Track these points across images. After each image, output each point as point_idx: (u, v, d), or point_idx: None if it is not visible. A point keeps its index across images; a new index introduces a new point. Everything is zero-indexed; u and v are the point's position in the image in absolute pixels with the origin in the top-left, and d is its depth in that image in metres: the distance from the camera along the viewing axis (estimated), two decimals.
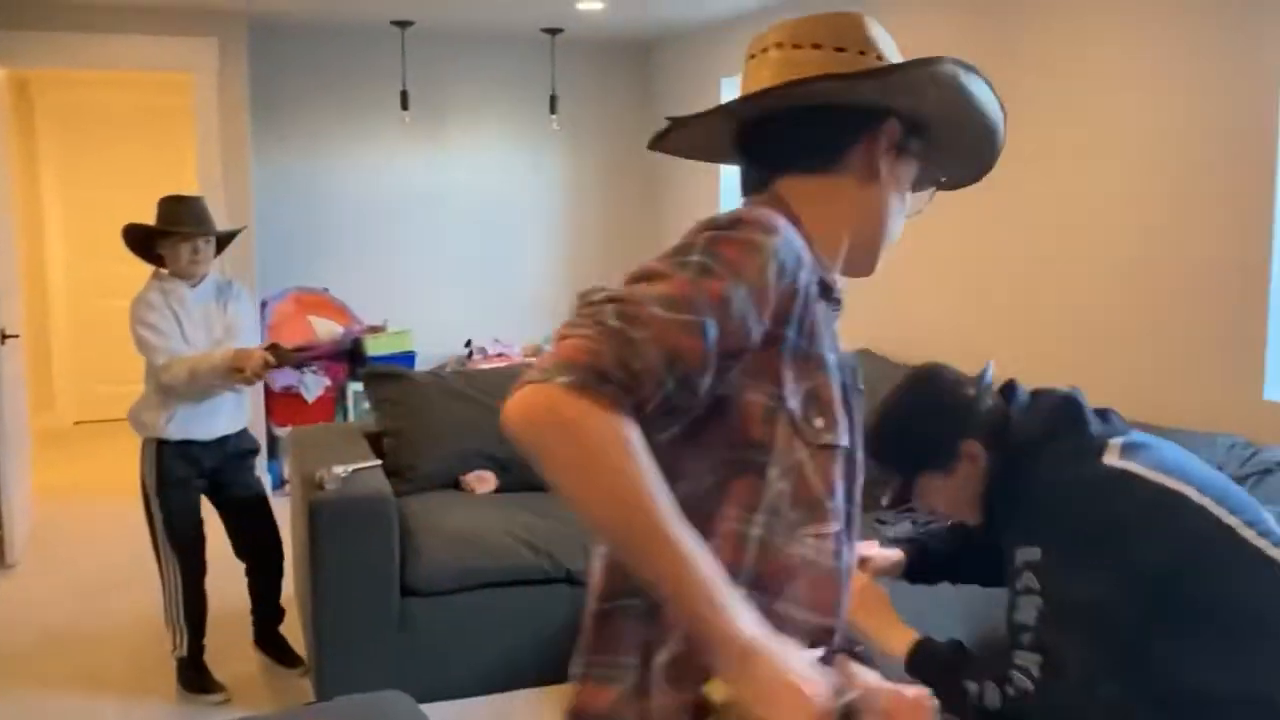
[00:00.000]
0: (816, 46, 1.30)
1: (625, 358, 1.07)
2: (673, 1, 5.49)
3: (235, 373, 3.36)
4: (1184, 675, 1.80)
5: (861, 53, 1.30)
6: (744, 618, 1.08)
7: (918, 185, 1.42)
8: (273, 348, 3.43)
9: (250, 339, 3.60)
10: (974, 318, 4.24)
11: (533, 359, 6.67)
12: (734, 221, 1.19)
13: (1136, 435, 1.93)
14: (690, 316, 1.11)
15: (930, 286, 4.48)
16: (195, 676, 3.56)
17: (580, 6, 5.58)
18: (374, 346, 6.25)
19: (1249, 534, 1.82)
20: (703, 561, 1.07)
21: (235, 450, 3.62)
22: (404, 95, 6.21)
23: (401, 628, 3.45)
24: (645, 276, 1.15)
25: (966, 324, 4.28)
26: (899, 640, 1.96)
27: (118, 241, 3.47)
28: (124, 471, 6.30)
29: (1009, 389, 2.04)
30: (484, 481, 3.99)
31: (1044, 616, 1.80)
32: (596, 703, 1.23)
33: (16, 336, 4.94)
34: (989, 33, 4.10)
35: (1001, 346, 4.08)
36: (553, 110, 6.54)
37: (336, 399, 6.28)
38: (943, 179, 1.47)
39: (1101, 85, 3.61)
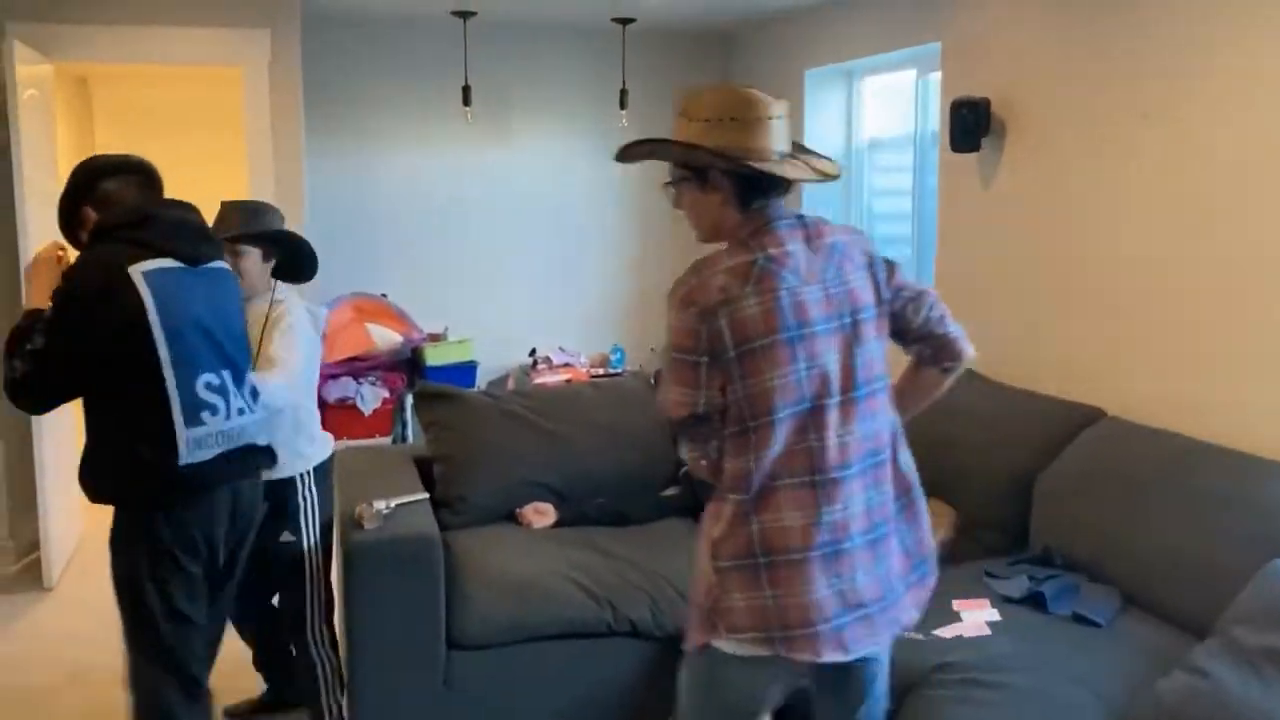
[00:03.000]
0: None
1: None
2: None
3: None
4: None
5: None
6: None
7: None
8: None
9: (287, 375, 2.98)
10: (1077, 333, 3.76)
11: (599, 369, 6.30)
12: None
13: (168, 272, 2.47)
14: None
15: (1028, 301, 4.01)
16: None
17: None
18: (434, 356, 5.93)
19: (166, 368, 2.41)
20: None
21: None
22: (466, 90, 5.87)
23: (447, 684, 3.08)
24: None
25: (1072, 341, 3.80)
26: (38, 301, 2.46)
27: None
28: None
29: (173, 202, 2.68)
30: (542, 515, 3.61)
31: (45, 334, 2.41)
32: None
33: None
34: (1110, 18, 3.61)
35: (1113, 368, 3.59)
36: (622, 105, 6.15)
37: (395, 411, 5.96)
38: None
39: (1237, 80, 3.11)
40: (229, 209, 3.17)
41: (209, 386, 2.48)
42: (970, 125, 4.12)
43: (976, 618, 2.85)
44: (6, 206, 4.47)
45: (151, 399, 2.40)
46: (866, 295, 2.07)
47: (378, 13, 5.80)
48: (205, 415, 2.47)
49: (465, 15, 5.76)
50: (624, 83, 6.26)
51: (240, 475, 2.60)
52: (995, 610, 2.89)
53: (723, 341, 1.97)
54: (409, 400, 5.89)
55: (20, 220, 4.37)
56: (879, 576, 2.06)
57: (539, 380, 5.98)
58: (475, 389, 6.03)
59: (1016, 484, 3.45)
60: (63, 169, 6.51)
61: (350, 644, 3.03)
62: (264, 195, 5.33)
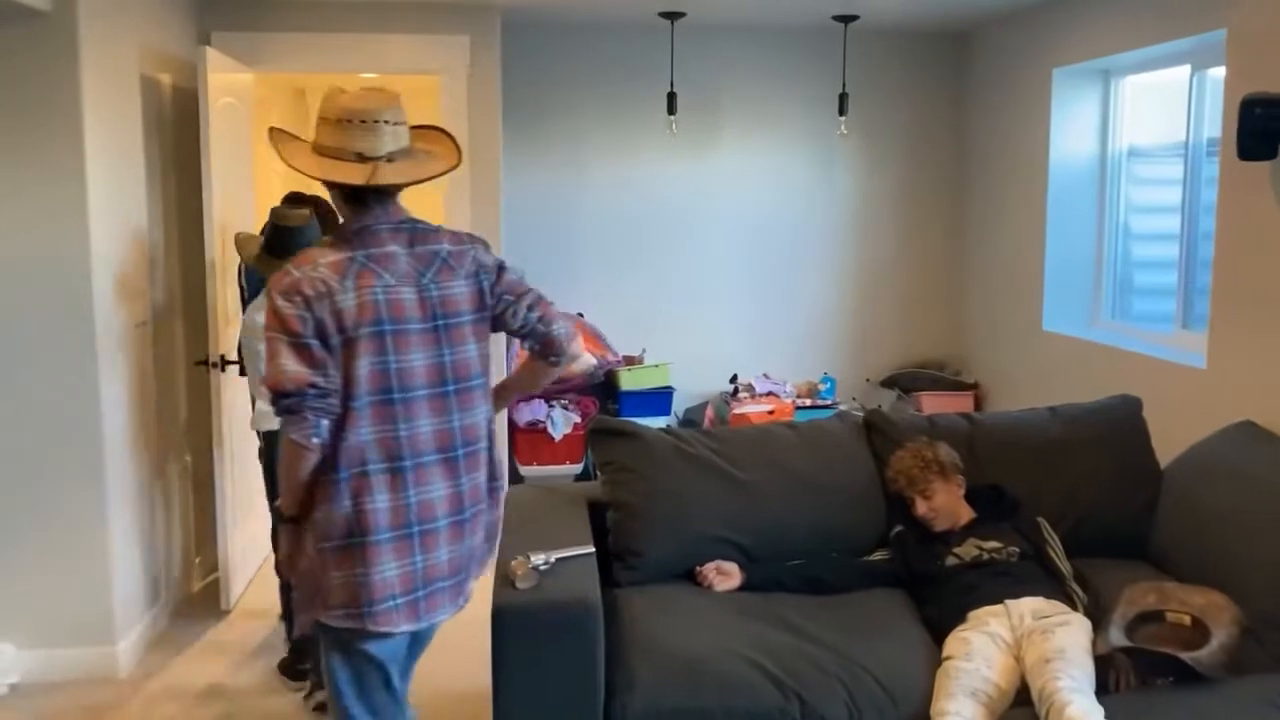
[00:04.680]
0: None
1: None
2: None
3: None
4: None
5: None
6: None
7: None
8: None
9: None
10: None
11: (806, 400, 5.77)
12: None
13: None
14: None
15: None
16: None
17: None
18: (629, 380, 5.58)
19: None
20: None
21: None
22: (671, 98, 5.48)
23: None
24: None
25: None
26: None
27: None
28: None
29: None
30: (726, 576, 3.14)
31: None
32: None
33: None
34: None
35: None
36: (842, 111, 5.61)
37: (586, 438, 5.63)
38: None
39: None
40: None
41: None
42: (1266, 127, 3.39)
43: None
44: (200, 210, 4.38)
45: None
46: (465, 302, 2.32)
47: (579, 16, 5.49)
48: None
49: (673, 16, 5.37)
50: (844, 86, 5.73)
51: None
52: None
53: (326, 329, 2.17)
54: None
55: (208, 224, 4.26)
56: (459, 554, 2.36)
57: (739, 410, 5.52)
58: (670, 417, 5.64)
59: None
60: (284, 178, 6.56)
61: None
62: (459, 207, 5.12)
